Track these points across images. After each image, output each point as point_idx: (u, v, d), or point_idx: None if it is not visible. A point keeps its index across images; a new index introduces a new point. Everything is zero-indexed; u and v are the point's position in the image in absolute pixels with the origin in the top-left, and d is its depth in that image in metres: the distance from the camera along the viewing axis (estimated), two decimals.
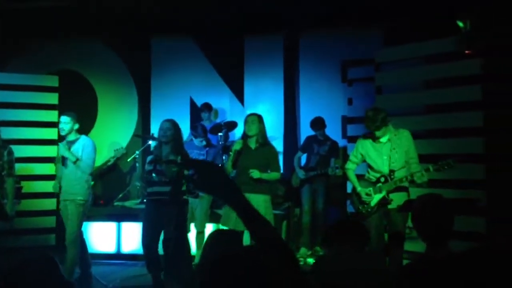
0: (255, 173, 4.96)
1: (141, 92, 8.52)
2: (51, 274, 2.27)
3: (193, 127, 6.62)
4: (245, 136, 5.20)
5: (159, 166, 5.04)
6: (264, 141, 5.17)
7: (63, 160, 5.47)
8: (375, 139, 4.90)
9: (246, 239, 5.32)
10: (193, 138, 6.50)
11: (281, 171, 5.47)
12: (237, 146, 5.06)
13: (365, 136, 5.05)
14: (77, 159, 5.34)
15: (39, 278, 2.23)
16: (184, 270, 4.94)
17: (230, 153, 5.10)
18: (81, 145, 5.43)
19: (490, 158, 5.45)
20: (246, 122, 5.19)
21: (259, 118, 5.20)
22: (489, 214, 5.41)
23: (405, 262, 4.69)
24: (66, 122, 5.44)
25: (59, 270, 2.32)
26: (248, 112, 8.14)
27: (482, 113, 5.49)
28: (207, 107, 7.67)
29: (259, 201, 4.91)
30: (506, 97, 5.35)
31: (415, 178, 4.74)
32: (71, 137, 5.48)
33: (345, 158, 6.67)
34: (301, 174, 6.85)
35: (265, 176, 5.04)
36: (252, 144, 5.16)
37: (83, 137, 5.54)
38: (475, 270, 1.63)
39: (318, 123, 6.96)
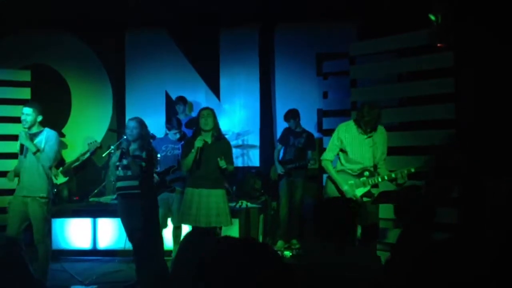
0: (222, 163, 5.04)
1: (115, 86, 8.44)
2: (14, 264, 2.19)
3: (168, 120, 6.62)
4: (198, 131, 5.20)
5: (125, 160, 5.12)
6: (218, 135, 5.26)
7: (23, 149, 5.13)
8: (360, 130, 4.81)
9: None
10: (168, 131, 6.46)
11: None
12: (199, 144, 5.05)
13: (348, 125, 4.93)
14: (38, 150, 5.04)
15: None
16: (154, 263, 4.99)
17: (193, 150, 5.06)
18: (44, 137, 5.14)
19: (461, 149, 5.54)
20: (201, 116, 5.19)
21: (213, 112, 5.26)
22: (462, 205, 5.51)
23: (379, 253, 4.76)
24: (29, 114, 5.09)
25: (24, 259, 2.23)
26: (225, 106, 8.19)
27: (454, 106, 5.57)
28: (182, 99, 7.64)
29: (219, 195, 5.19)
30: (478, 90, 5.43)
31: (398, 178, 4.71)
32: (34, 129, 5.15)
33: (321, 151, 6.68)
34: (279, 169, 6.88)
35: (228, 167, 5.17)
36: (208, 138, 5.18)
37: (46, 129, 5.22)
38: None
39: (288, 114, 6.97)
